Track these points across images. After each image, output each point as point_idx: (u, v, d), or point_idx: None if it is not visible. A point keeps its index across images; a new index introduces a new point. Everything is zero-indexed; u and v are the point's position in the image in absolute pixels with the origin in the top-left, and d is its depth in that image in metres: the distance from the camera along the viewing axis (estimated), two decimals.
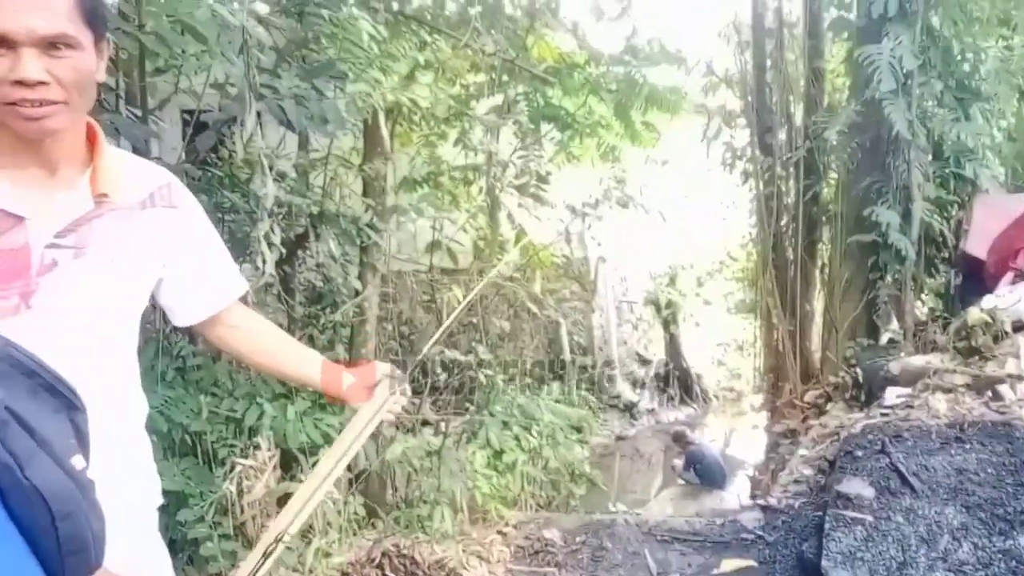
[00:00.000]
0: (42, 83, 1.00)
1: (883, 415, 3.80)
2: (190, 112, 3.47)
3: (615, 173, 6.42)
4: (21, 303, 1.05)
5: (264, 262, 2.97)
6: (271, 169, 2.97)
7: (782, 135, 6.35)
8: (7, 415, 0.66)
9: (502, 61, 5.04)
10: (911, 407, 3.79)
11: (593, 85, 6.01)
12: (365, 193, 4.24)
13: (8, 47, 0.97)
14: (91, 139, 1.15)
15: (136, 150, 2.65)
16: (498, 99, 5.50)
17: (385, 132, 4.13)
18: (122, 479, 1.16)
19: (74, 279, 1.09)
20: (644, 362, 9.94)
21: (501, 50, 5.04)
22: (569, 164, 6.75)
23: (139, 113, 3.14)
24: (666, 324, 10.34)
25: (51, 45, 1.00)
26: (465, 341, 4.99)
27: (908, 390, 4.04)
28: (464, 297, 4.04)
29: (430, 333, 4.84)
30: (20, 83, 0.98)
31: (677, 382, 9.83)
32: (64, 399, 0.76)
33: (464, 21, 4.72)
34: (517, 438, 4.46)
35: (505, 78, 5.39)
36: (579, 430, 5.39)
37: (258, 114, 2.91)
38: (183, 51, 3.08)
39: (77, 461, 0.73)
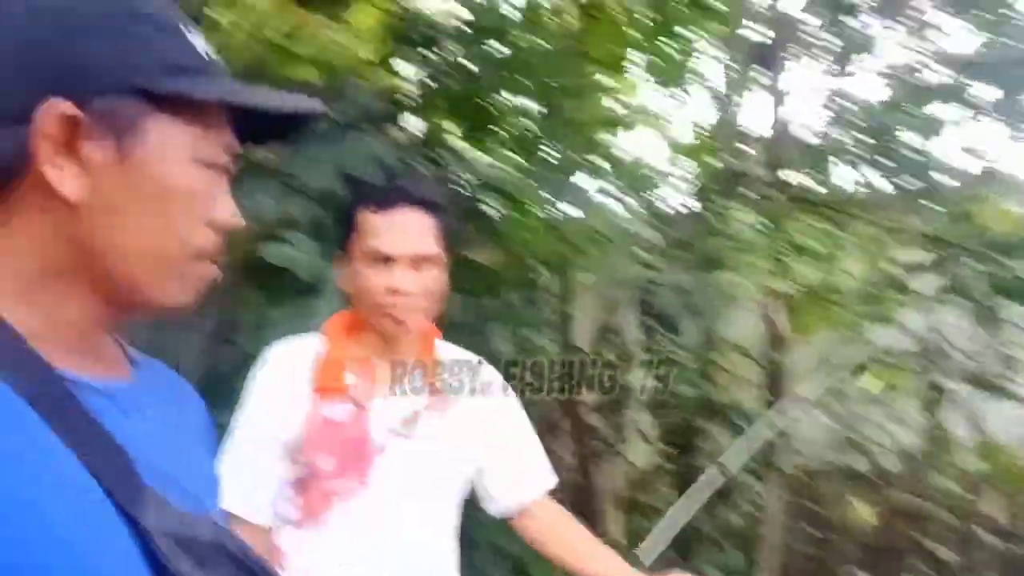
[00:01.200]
0: (411, 293, 1.22)
1: None
2: None
3: None
4: (359, 484, 1.19)
5: (636, 457, 2.97)
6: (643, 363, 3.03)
7: None
8: None
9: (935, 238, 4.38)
10: None
11: None
12: (766, 383, 3.99)
13: (387, 263, 1.21)
14: (428, 338, 1.35)
15: None
16: (935, 275, 4.73)
17: (781, 317, 3.89)
18: None
19: (404, 465, 1.22)
20: None
21: (936, 226, 4.40)
22: None
23: None
24: None
25: (419, 262, 1.22)
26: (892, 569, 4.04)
27: None
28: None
29: (843, 549, 4.09)
30: (395, 292, 1.20)
31: None
32: None
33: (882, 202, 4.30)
34: None
35: (943, 253, 4.64)
36: None
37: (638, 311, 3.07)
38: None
39: None
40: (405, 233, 1.21)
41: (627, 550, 3.23)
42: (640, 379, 2.99)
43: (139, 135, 0.53)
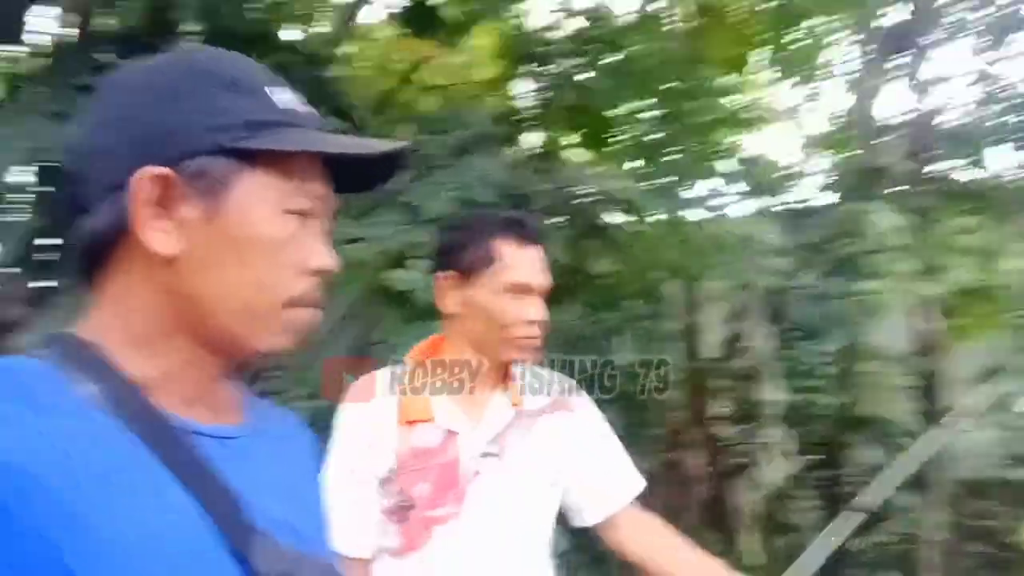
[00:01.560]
0: (543, 323, 1.26)
1: None
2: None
3: None
4: (454, 509, 1.21)
5: (772, 473, 2.84)
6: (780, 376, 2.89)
7: None
8: None
9: None
10: None
11: None
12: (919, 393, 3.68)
13: (525, 293, 1.24)
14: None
15: None
16: None
17: (935, 322, 3.58)
18: None
19: (496, 485, 1.24)
20: None
21: None
22: None
23: None
24: None
25: (544, 294, 1.27)
26: None
27: None
28: None
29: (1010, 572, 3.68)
30: (533, 323, 1.23)
31: None
32: None
33: None
34: None
35: None
36: None
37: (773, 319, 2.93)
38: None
39: None
40: (541, 266, 1.26)
41: (767, 573, 3.09)
42: (774, 391, 2.85)
43: (227, 192, 0.56)
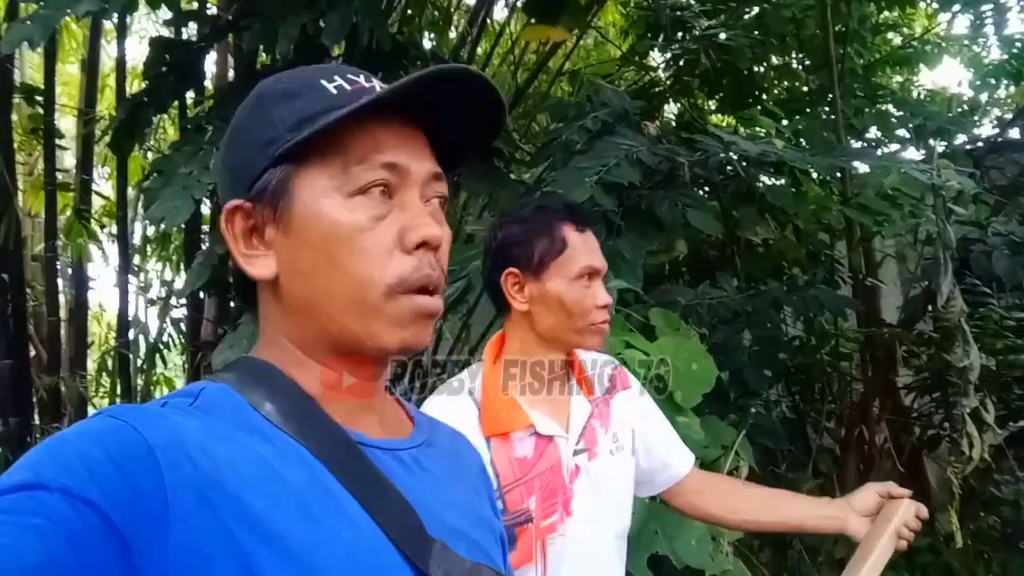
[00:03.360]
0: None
1: None
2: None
3: None
4: (563, 513, 1.19)
5: (971, 445, 2.55)
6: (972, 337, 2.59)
7: None
8: None
9: None
10: None
11: None
12: None
13: (594, 277, 1.23)
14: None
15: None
16: None
17: None
18: None
19: (595, 478, 1.23)
20: None
21: None
22: None
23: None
24: None
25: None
26: None
27: None
28: None
29: None
30: (605, 306, 1.23)
31: None
32: None
33: None
34: None
35: None
36: None
37: (956, 274, 2.63)
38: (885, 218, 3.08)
39: None
40: (600, 252, 1.25)
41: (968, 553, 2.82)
42: (968, 355, 2.56)
43: (291, 197, 0.55)
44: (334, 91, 0.56)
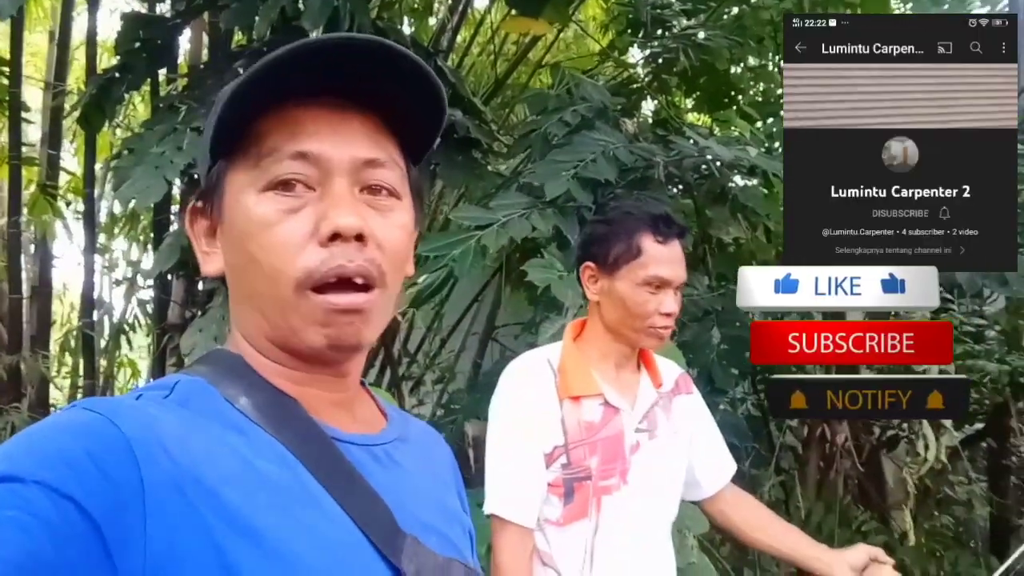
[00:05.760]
0: (676, 315, 1.34)
1: None
2: None
3: None
4: (620, 480, 1.30)
5: (927, 447, 2.62)
6: None
7: None
8: None
9: None
10: None
11: None
12: None
13: (663, 287, 1.30)
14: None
15: None
16: None
17: None
18: None
19: (653, 457, 1.34)
20: None
21: None
22: None
23: None
24: None
25: (680, 288, 1.35)
26: None
27: None
28: None
29: None
30: (669, 315, 1.31)
31: None
32: None
33: None
34: None
35: None
36: None
37: None
38: None
39: None
40: (680, 263, 1.33)
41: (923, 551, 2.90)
42: None
43: (221, 195, 0.57)
44: (263, 66, 0.52)
